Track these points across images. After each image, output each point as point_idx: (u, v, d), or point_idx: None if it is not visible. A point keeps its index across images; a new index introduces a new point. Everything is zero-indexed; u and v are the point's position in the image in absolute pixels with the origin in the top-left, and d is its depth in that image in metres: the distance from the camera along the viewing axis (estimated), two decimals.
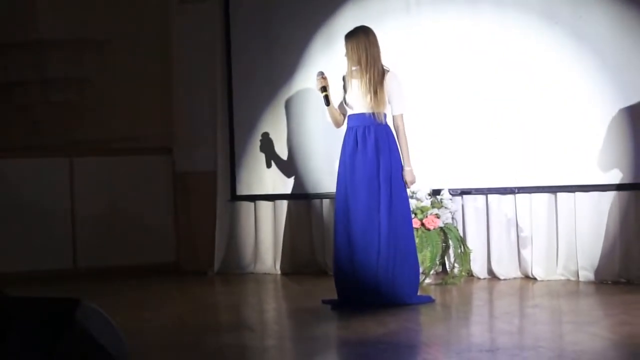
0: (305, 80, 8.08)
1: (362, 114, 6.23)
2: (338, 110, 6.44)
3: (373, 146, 6.18)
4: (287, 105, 8.20)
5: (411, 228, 6.33)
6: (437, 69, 7.48)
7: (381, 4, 7.72)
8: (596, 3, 7.00)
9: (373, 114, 6.21)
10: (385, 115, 6.26)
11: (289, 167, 8.20)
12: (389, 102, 6.25)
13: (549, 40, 7.15)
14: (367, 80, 6.19)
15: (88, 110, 9.23)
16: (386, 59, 6.31)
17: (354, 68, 6.26)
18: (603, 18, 6.97)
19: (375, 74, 6.20)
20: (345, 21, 7.75)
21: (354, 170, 6.20)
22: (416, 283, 6.28)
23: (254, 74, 8.35)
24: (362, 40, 6.25)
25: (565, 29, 7.09)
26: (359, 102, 6.23)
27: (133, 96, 9.07)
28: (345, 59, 6.34)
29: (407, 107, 6.40)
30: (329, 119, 6.54)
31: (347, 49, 6.29)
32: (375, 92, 6.18)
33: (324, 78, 6.38)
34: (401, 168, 6.23)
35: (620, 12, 6.92)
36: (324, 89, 6.37)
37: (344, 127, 6.38)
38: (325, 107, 6.45)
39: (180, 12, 8.92)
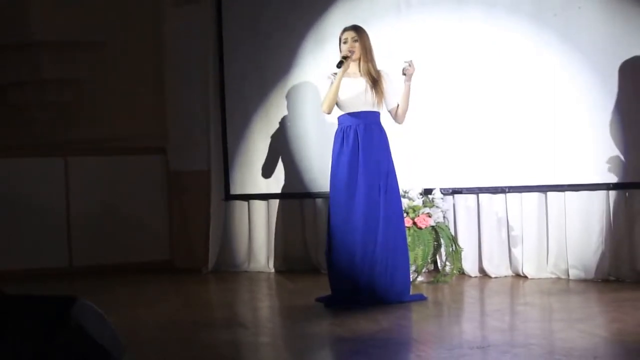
0: (297, 80, 8.12)
1: (362, 112, 6.23)
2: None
3: (376, 145, 6.19)
4: (280, 105, 8.23)
5: (404, 227, 6.36)
6: (428, 70, 7.48)
7: (371, 5, 7.75)
8: (587, 4, 7.05)
9: (373, 112, 6.25)
10: (379, 114, 6.32)
11: (281, 166, 8.24)
12: (384, 100, 6.28)
13: (539, 41, 7.18)
14: (368, 78, 6.23)
15: (82, 111, 9.25)
16: (376, 60, 6.37)
17: (350, 56, 6.22)
18: (593, 20, 7.00)
19: (374, 71, 6.25)
20: (336, 22, 7.78)
21: (357, 168, 6.16)
22: (409, 282, 6.32)
23: (247, 74, 8.38)
24: (365, 35, 6.29)
25: (555, 30, 7.12)
26: (359, 100, 6.22)
27: (127, 96, 9.09)
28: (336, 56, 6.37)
29: None
30: (325, 99, 6.25)
31: (349, 39, 6.25)
32: (376, 90, 6.22)
33: (349, 56, 6.20)
34: (394, 168, 6.28)
35: (610, 14, 6.94)
36: (345, 57, 6.19)
37: (335, 127, 6.39)
38: (338, 68, 6.18)
39: (172, 13, 8.96)
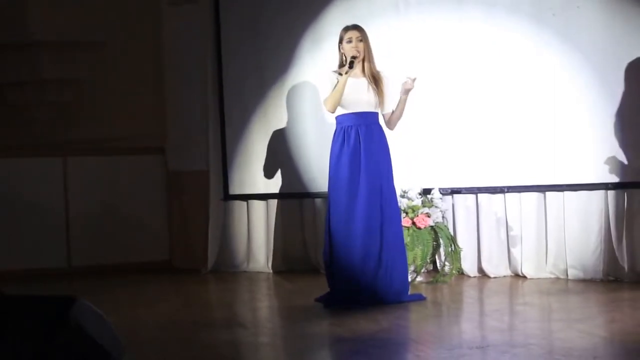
0: (295, 80, 8.12)
1: (363, 112, 6.22)
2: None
3: (377, 145, 6.19)
4: (278, 105, 8.23)
5: (401, 227, 6.38)
6: (427, 70, 7.49)
7: (370, 5, 7.74)
8: (586, 4, 7.06)
9: (373, 112, 6.25)
10: (378, 115, 6.32)
11: (280, 166, 8.25)
12: (383, 102, 6.28)
13: (539, 41, 7.19)
14: (370, 78, 6.23)
15: (82, 111, 9.24)
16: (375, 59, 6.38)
17: (359, 56, 6.22)
18: (593, 20, 7.00)
19: (375, 72, 6.26)
20: (333, 21, 7.78)
21: (358, 169, 6.15)
22: (407, 282, 6.33)
23: (245, 73, 8.37)
24: (367, 35, 6.30)
25: (554, 30, 7.13)
26: (361, 100, 6.21)
27: (127, 96, 9.09)
28: (334, 55, 6.38)
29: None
30: (329, 98, 6.17)
31: (353, 38, 6.23)
32: (378, 90, 6.22)
33: (358, 57, 6.21)
34: (392, 169, 6.29)
35: (610, 14, 6.95)
36: (355, 57, 6.17)
37: (334, 126, 6.39)
38: (349, 68, 6.13)
39: (171, 13, 8.95)
